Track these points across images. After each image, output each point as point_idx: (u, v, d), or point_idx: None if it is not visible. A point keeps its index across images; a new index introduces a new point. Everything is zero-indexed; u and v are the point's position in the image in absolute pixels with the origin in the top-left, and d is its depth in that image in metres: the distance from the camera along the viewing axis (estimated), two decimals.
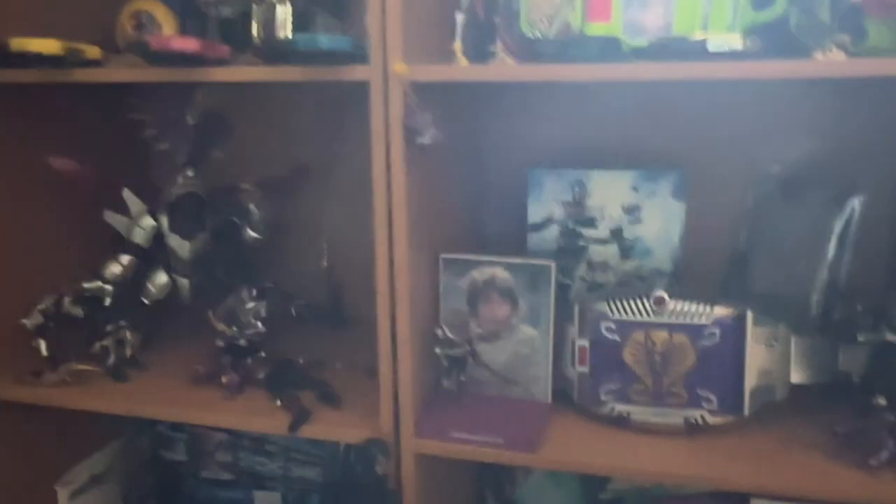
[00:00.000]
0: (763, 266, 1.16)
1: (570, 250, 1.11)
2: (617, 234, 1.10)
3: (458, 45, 0.93)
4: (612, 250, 1.11)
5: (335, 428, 1.00)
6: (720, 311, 0.94)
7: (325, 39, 0.86)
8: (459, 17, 0.94)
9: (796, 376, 0.98)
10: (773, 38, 0.90)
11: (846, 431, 0.91)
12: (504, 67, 0.90)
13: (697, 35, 0.86)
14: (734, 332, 0.94)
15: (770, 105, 1.11)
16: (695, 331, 0.94)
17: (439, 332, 1.00)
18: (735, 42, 0.82)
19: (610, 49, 0.86)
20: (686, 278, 1.12)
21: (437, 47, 0.94)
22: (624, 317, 0.97)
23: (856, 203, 1.08)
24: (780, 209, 1.15)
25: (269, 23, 1.13)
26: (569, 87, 1.14)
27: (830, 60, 0.80)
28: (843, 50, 0.81)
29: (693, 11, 0.94)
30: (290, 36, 1.09)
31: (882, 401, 0.87)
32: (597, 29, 0.98)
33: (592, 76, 0.84)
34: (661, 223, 1.09)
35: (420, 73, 0.88)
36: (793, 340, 0.98)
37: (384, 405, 0.97)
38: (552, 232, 1.11)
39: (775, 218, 1.16)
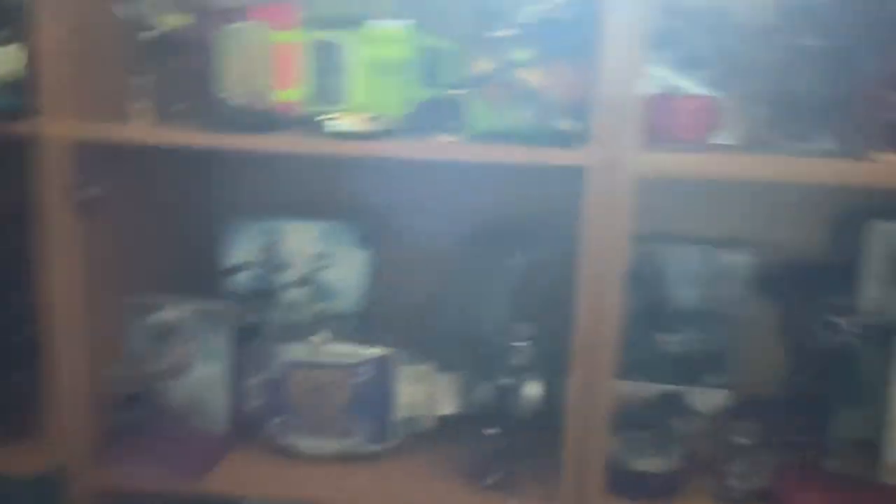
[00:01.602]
0: (451, 310, 1.30)
1: (263, 294, 1.21)
2: (307, 279, 1.21)
3: (137, 106, 1.01)
4: (302, 294, 1.21)
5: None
6: (372, 350, 1.07)
7: None
8: (139, 79, 1.02)
9: (445, 409, 1.11)
10: (435, 114, 1.05)
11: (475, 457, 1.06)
12: (163, 132, 0.99)
13: (337, 114, 0.97)
14: (384, 370, 1.07)
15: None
16: (350, 369, 1.06)
17: (119, 369, 1.06)
18: (358, 124, 0.95)
19: (263, 122, 0.97)
20: (377, 320, 1.24)
21: (121, 104, 1.01)
22: (292, 356, 1.07)
23: (524, 258, 1.25)
24: (468, 259, 1.30)
25: None
26: None
27: (441, 144, 0.95)
28: (456, 132, 0.96)
29: (368, 83, 1.06)
30: None
31: (492, 430, 1.02)
32: (284, 95, 1.09)
33: (239, 145, 0.95)
34: (348, 269, 1.21)
35: (83, 131, 0.95)
36: (443, 376, 1.11)
37: (60, 439, 1.02)
38: (246, 277, 1.21)
39: (472, 268, 1.30)
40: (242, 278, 1.21)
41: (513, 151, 0.92)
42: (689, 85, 1.06)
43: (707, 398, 1.25)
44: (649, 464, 0.99)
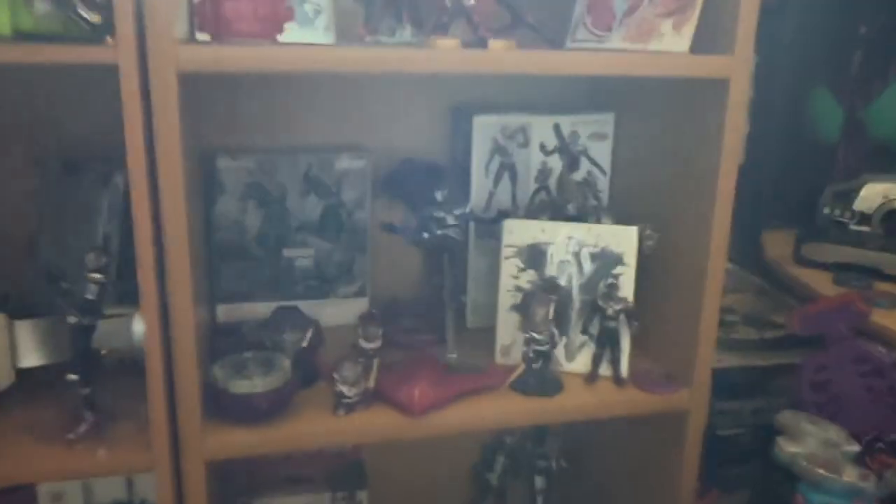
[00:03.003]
0: (52, 247, 1.14)
1: None
2: None
3: None
4: None
5: None
6: None
7: None
8: None
9: (27, 360, 0.97)
10: None
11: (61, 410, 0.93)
12: None
13: None
14: None
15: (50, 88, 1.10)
16: None
17: None
18: None
19: None
20: None
21: None
22: None
23: (119, 180, 1.12)
24: (64, 188, 1.15)
25: None
26: None
27: None
28: None
29: None
30: None
31: (74, 376, 0.90)
32: None
33: None
34: None
35: None
36: (22, 324, 0.96)
37: None
38: None
39: (60, 197, 1.15)
40: None
41: (33, 51, 0.78)
42: None
43: (343, 308, 1.23)
44: (253, 384, 0.93)
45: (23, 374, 0.97)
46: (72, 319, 0.90)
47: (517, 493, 1.42)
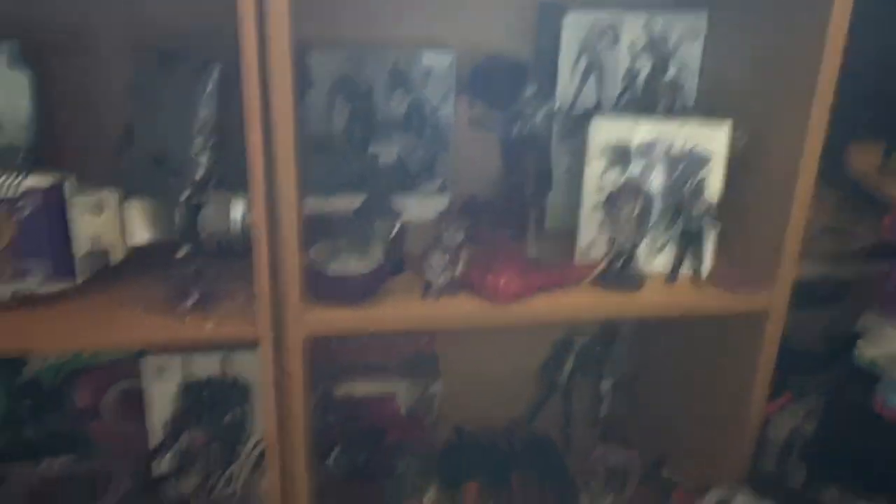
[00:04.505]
0: (149, 136, 1.19)
1: None
2: None
3: None
4: None
5: None
6: (35, 181, 0.94)
7: None
8: None
9: (136, 237, 1.03)
10: None
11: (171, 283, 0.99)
12: None
13: None
14: (54, 202, 0.95)
15: None
16: (10, 203, 0.94)
17: None
18: None
19: None
20: (51, 151, 1.10)
21: None
22: None
23: (214, 72, 1.14)
24: (160, 78, 1.18)
25: None
26: None
27: None
28: None
29: None
30: None
31: (183, 252, 0.96)
32: None
33: None
34: (4, 95, 1.05)
35: None
36: (133, 203, 1.02)
37: None
38: None
39: (156, 87, 1.18)
40: None
41: None
42: None
43: (425, 204, 1.26)
44: (349, 267, 0.98)
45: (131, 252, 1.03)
46: (184, 195, 0.94)
47: (584, 394, 1.47)
